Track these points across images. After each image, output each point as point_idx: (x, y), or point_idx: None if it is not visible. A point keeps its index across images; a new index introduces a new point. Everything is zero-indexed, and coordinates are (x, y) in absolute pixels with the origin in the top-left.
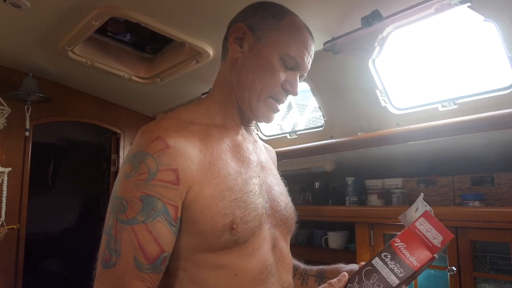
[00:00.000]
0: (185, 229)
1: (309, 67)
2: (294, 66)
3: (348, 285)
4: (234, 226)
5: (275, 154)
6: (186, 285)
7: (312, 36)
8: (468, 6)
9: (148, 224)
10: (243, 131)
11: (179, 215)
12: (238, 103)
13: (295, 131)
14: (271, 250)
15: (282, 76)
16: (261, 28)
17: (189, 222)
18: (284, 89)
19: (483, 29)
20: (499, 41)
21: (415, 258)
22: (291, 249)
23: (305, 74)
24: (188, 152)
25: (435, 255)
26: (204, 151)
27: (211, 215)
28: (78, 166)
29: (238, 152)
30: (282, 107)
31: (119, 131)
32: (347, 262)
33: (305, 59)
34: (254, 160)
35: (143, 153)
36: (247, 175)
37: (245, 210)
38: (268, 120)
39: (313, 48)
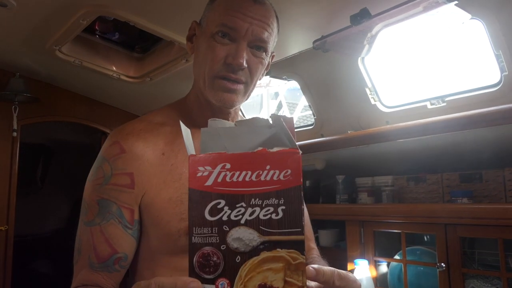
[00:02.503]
0: (144, 231)
1: (263, 35)
2: (232, 36)
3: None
4: None
5: None
6: None
7: (257, 1)
8: (455, 4)
9: (102, 226)
10: None
11: (136, 217)
12: (203, 95)
13: None
14: None
15: (223, 51)
16: (203, 17)
17: (147, 225)
18: (226, 63)
19: (470, 27)
20: (486, 39)
21: None
22: None
23: (266, 46)
24: (146, 155)
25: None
26: (168, 153)
27: (167, 219)
28: (67, 167)
29: None
30: (239, 86)
31: (108, 131)
32: (338, 260)
33: (240, 23)
34: None
35: (101, 158)
36: None
37: None
38: (223, 102)
39: (261, 13)
